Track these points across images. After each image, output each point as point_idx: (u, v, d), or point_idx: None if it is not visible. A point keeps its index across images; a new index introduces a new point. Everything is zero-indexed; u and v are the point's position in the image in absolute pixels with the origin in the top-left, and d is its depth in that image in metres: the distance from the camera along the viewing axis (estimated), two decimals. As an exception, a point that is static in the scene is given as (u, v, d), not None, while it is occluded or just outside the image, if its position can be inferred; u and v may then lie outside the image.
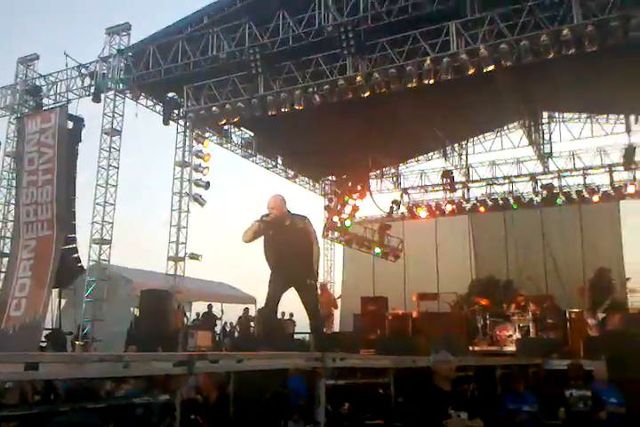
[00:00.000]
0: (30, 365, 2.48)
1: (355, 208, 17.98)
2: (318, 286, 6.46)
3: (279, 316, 14.67)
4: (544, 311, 11.39)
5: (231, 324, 15.02)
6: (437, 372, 3.97)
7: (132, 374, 3.21)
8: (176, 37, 12.41)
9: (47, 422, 3.81)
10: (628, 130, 15.63)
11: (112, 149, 12.84)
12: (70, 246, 12.16)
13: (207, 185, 13.45)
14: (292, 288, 5.29)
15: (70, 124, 12.56)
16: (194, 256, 13.30)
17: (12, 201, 13.47)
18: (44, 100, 14.12)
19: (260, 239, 5.23)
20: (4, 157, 14.28)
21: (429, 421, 3.64)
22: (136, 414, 3.97)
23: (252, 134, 16.06)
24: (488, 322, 11.88)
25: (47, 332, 11.81)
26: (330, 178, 19.41)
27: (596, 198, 15.89)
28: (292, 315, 15.42)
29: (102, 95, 13.07)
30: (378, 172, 18.94)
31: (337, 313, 15.66)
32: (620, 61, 10.72)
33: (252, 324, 14.68)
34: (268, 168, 17.31)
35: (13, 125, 14.18)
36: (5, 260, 13.09)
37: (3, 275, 12.75)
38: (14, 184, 13.38)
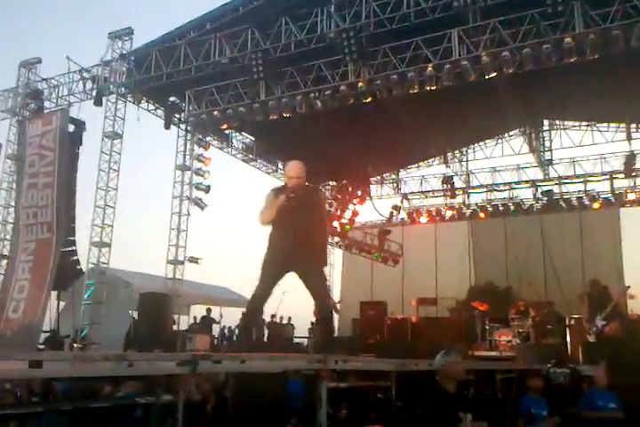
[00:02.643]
0: (34, 363, 2.48)
1: (355, 213, 18.01)
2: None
3: (277, 320, 14.69)
4: (544, 317, 11.37)
5: (230, 328, 14.98)
6: (444, 373, 3.91)
7: (136, 374, 3.20)
8: (178, 42, 12.46)
9: (45, 422, 3.79)
10: (629, 138, 15.68)
11: (113, 153, 12.86)
12: (69, 249, 12.16)
13: (208, 189, 13.49)
14: (296, 276, 4.53)
15: (71, 128, 12.61)
16: (193, 260, 13.31)
17: (13, 203, 13.46)
18: (46, 104, 14.12)
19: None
20: (4, 160, 14.30)
21: (435, 423, 3.61)
22: (136, 416, 3.95)
23: (253, 139, 16.09)
24: (487, 327, 11.89)
25: (45, 335, 11.77)
26: (330, 183, 19.42)
27: (596, 205, 15.95)
28: (290, 319, 15.36)
29: (104, 99, 13.11)
30: (378, 177, 18.97)
31: (336, 317, 15.64)
32: (622, 71, 10.77)
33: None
34: (268, 173, 17.33)
35: (15, 128, 14.19)
36: (5, 262, 13.08)
37: (2, 277, 12.74)
38: (15, 187, 13.39)
